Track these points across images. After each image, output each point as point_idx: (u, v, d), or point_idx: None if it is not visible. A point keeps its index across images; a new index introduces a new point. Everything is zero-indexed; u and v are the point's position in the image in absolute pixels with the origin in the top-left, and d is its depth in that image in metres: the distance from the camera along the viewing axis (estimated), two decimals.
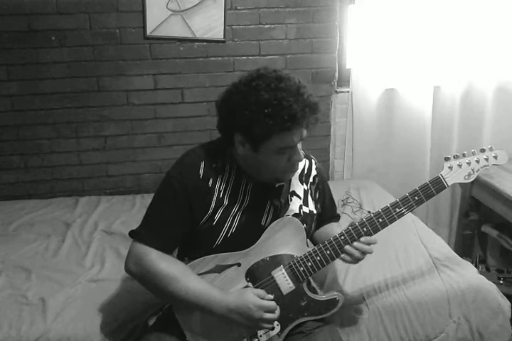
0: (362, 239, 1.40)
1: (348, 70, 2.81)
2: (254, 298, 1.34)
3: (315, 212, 1.56)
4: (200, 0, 2.51)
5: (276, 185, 1.48)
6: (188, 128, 2.73)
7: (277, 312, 1.37)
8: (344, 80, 2.84)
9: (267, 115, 1.26)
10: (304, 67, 2.71)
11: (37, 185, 2.71)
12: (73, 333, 1.59)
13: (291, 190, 1.51)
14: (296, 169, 1.45)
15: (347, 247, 1.39)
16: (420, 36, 2.68)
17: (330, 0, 2.63)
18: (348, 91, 2.81)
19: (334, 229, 1.59)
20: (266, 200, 1.46)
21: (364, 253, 1.41)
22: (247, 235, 1.41)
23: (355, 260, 1.42)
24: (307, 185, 1.56)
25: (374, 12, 2.63)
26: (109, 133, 2.68)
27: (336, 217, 1.72)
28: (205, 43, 2.60)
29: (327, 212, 1.67)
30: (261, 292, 1.37)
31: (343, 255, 1.41)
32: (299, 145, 1.37)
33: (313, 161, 1.60)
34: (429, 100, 2.80)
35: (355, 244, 1.40)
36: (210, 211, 1.39)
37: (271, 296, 1.38)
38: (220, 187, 1.41)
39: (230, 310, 1.32)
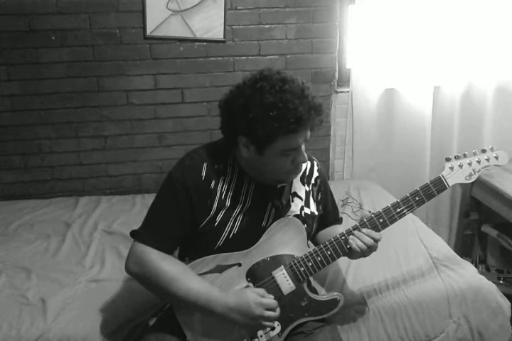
0: (364, 230, 1.40)
1: (348, 70, 2.81)
2: (255, 296, 1.34)
3: (316, 213, 1.56)
4: (200, 0, 2.51)
5: (278, 186, 1.48)
6: (188, 128, 2.73)
7: (278, 310, 1.37)
8: (344, 80, 2.84)
9: (273, 118, 1.26)
10: (304, 67, 2.71)
11: (37, 185, 2.70)
12: (73, 333, 1.59)
13: (292, 191, 1.51)
14: (300, 170, 1.45)
15: (351, 238, 1.39)
16: (420, 36, 2.68)
17: (330, 0, 2.64)
18: (348, 92, 2.81)
19: (338, 230, 1.58)
20: (267, 201, 1.46)
21: (370, 247, 1.39)
22: (249, 236, 1.41)
23: (361, 254, 1.41)
24: (309, 187, 1.56)
25: (374, 12, 2.64)
26: (109, 133, 2.68)
27: (338, 220, 1.72)
28: (205, 43, 2.60)
29: (330, 215, 1.66)
30: (261, 291, 1.37)
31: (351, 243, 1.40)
32: (303, 147, 1.37)
33: (315, 163, 1.60)
34: (429, 100, 2.80)
35: (356, 233, 1.39)
36: (212, 213, 1.39)
37: (271, 296, 1.38)
38: (222, 189, 1.41)
39: (230, 308, 1.32)
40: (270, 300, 1.36)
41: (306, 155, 1.39)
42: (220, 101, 1.39)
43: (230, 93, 1.36)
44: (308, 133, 1.35)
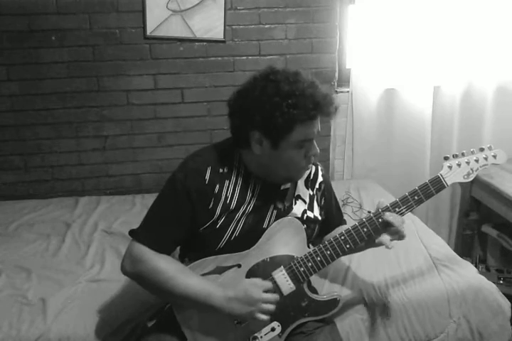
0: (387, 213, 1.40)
1: (348, 70, 2.81)
2: (251, 280, 1.35)
3: (319, 218, 1.55)
4: (200, 0, 2.51)
5: (282, 188, 1.47)
6: (188, 128, 2.73)
7: (276, 295, 1.36)
8: (344, 80, 2.84)
9: (291, 106, 1.27)
10: (304, 67, 2.71)
11: (37, 185, 2.71)
12: (73, 333, 1.59)
13: (296, 193, 1.51)
14: (311, 165, 1.47)
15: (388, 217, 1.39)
16: (420, 36, 2.68)
17: (330, 0, 2.64)
18: (348, 92, 2.81)
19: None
20: (270, 203, 1.45)
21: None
22: (250, 238, 1.41)
23: (400, 235, 1.42)
24: (313, 191, 1.55)
25: (374, 12, 2.64)
26: (109, 133, 2.68)
27: (342, 222, 1.71)
28: (205, 43, 2.60)
29: (334, 219, 1.66)
30: (257, 279, 1.37)
31: (382, 237, 1.40)
32: (314, 142, 1.38)
33: (319, 168, 1.60)
34: (429, 100, 2.80)
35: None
36: (215, 216, 1.39)
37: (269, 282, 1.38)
38: (227, 193, 1.40)
39: (228, 298, 1.32)
40: (267, 282, 1.36)
41: (318, 148, 1.39)
42: (229, 100, 1.38)
43: (239, 90, 1.36)
44: (319, 125, 1.36)
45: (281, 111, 1.27)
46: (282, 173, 1.42)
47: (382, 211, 1.41)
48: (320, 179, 1.58)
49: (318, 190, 1.57)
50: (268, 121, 1.29)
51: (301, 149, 1.36)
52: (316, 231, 1.55)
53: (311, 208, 1.53)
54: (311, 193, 1.55)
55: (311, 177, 1.56)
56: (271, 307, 1.34)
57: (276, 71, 1.33)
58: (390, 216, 1.39)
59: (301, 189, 1.53)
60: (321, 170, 1.60)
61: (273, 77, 1.30)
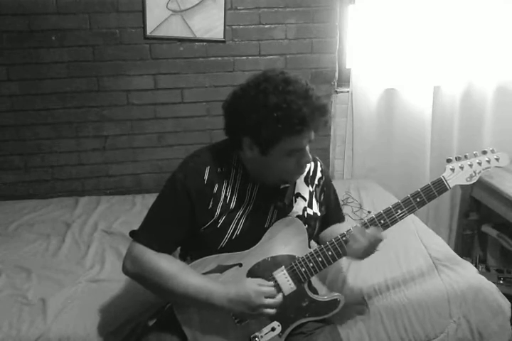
0: (369, 230, 1.39)
1: (348, 70, 2.81)
2: (253, 285, 1.34)
3: (319, 214, 1.55)
4: (200, 0, 2.51)
5: (281, 187, 1.47)
6: (188, 128, 2.73)
7: (278, 297, 1.36)
8: (344, 80, 2.84)
9: (276, 119, 1.25)
10: (304, 67, 2.71)
11: (37, 185, 2.70)
12: (73, 333, 1.59)
13: (296, 191, 1.51)
14: (304, 171, 1.46)
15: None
16: (420, 36, 2.68)
17: (330, 0, 2.64)
18: (348, 92, 2.81)
19: (341, 229, 1.58)
20: (270, 202, 1.45)
21: (372, 244, 1.39)
22: (251, 237, 1.41)
23: (365, 251, 1.40)
24: (312, 187, 1.55)
25: (374, 12, 2.64)
26: (109, 133, 2.68)
27: (341, 219, 1.70)
28: (205, 43, 2.60)
29: (333, 215, 1.65)
30: (259, 280, 1.37)
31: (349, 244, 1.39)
32: (307, 148, 1.37)
33: (318, 163, 1.60)
34: (429, 100, 2.80)
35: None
36: (216, 216, 1.39)
37: (271, 283, 1.37)
38: (226, 193, 1.40)
39: (230, 299, 1.32)
40: (269, 288, 1.36)
41: (310, 155, 1.38)
42: (224, 102, 1.38)
43: (233, 94, 1.36)
44: (313, 134, 1.35)
45: (267, 123, 1.26)
46: (275, 177, 1.42)
47: (383, 212, 1.41)
48: (319, 175, 1.58)
49: (317, 186, 1.57)
50: (256, 130, 1.29)
51: (291, 157, 1.35)
52: (316, 229, 1.55)
53: (310, 205, 1.53)
54: (311, 190, 1.55)
55: (311, 173, 1.56)
56: (271, 311, 1.34)
57: (268, 78, 1.30)
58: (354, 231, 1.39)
59: (301, 186, 1.53)
60: (321, 165, 1.60)
61: (263, 87, 1.28)
